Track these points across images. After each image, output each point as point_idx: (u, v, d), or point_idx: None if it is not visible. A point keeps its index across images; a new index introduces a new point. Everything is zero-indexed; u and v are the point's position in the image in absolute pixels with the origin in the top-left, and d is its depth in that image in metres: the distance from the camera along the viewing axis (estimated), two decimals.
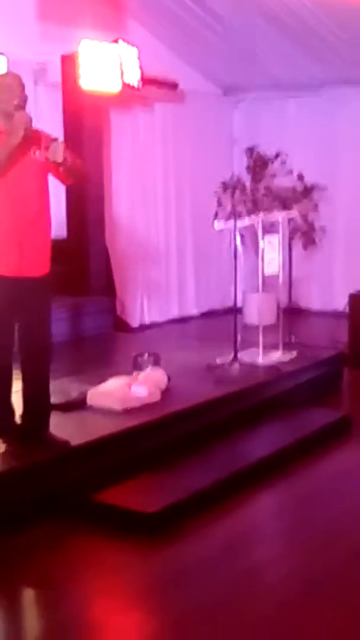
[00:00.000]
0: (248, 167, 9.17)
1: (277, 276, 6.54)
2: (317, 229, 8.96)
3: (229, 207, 8.67)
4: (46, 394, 4.50)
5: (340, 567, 3.83)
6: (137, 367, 5.72)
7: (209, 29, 8.45)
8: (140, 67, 7.89)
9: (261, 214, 6.68)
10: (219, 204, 8.85)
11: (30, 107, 4.40)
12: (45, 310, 4.43)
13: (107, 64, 7.55)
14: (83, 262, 8.00)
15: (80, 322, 7.61)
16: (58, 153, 4.24)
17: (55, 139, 4.31)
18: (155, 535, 4.07)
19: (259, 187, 9.01)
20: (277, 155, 8.97)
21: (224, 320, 7.81)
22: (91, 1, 7.79)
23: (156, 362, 5.78)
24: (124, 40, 7.70)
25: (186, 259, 9.45)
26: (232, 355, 6.14)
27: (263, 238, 6.29)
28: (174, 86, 8.78)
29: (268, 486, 4.74)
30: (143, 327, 8.60)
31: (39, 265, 4.35)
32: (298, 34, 8.21)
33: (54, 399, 4.69)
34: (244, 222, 6.47)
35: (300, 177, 8.94)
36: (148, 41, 8.42)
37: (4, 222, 4.23)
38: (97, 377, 5.44)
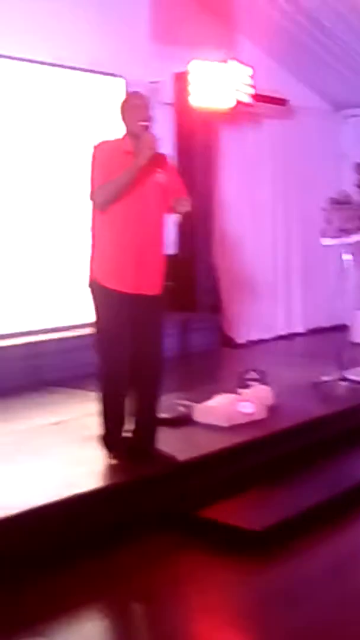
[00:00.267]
0: (357, 183, 9.06)
1: None
2: None
3: (337, 223, 8.57)
4: (155, 410, 4.56)
5: None
6: (243, 384, 5.73)
7: (320, 44, 8.42)
8: (253, 85, 7.92)
9: None
10: (327, 220, 8.76)
11: None
12: (158, 328, 4.51)
13: (218, 82, 7.61)
14: (191, 279, 8.07)
15: (187, 338, 7.67)
16: (185, 208, 4.42)
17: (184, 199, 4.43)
18: (261, 553, 4.06)
19: None
20: None
21: (331, 337, 7.76)
22: (202, 20, 7.87)
23: (262, 379, 5.78)
24: (235, 59, 7.75)
25: (293, 276, 9.40)
26: (338, 373, 6.08)
27: None
28: (283, 102, 8.78)
29: None
30: (249, 344, 8.58)
31: (154, 284, 4.44)
32: None
33: (161, 414, 4.74)
34: (353, 238, 6.40)
35: None
36: (258, 57, 8.45)
37: (124, 239, 4.35)
38: (203, 394, 5.47)
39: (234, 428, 5.07)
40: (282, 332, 9.15)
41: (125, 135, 4.49)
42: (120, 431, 4.49)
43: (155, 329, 4.49)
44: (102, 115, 6.99)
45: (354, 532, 4.43)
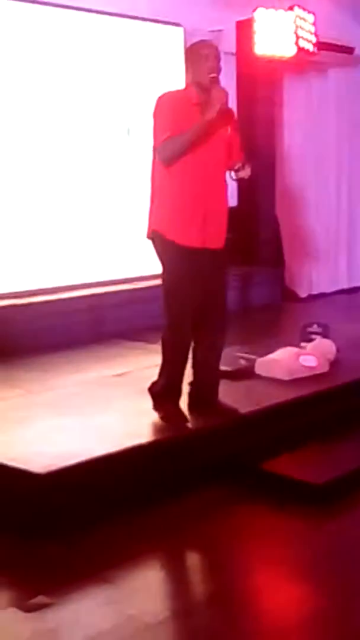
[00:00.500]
0: None
1: None
2: None
3: None
4: (218, 363, 4.55)
5: None
6: (306, 337, 5.69)
7: None
8: (316, 33, 7.75)
9: None
10: None
11: None
12: (222, 281, 4.48)
13: (282, 30, 7.46)
14: (253, 231, 8.00)
15: (249, 292, 7.63)
16: (247, 174, 4.39)
17: (245, 163, 4.38)
18: (322, 506, 4.05)
19: None
20: None
21: None
22: None
23: (325, 333, 5.72)
24: (299, 6, 7.57)
25: (357, 230, 9.26)
26: None
27: None
28: (349, 50, 8.58)
29: None
30: (311, 298, 8.51)
31: (219, 238, 4.39)
32: None
33: (223, 367, 4.74)
34: None
35: None
36: (323, 5, 8.24)
37: (190, 194, 4.27)
38: (265, 347, 5.45)
39: (295, 381, 5.05)
40: (345, 286, 9.05)
41: (189, 86, 4.39)
42: (180, 380, 4.46)
43: (219, 282, 4.45)
44: (159, 67, 6.92)
45: None
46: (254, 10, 7.33)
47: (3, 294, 6.11)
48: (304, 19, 7.64)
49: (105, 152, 6.83)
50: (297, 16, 7.53)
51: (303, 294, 8.51)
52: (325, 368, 5.27)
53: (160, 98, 4.35)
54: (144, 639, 3.02)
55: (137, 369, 5.25)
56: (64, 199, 6.55)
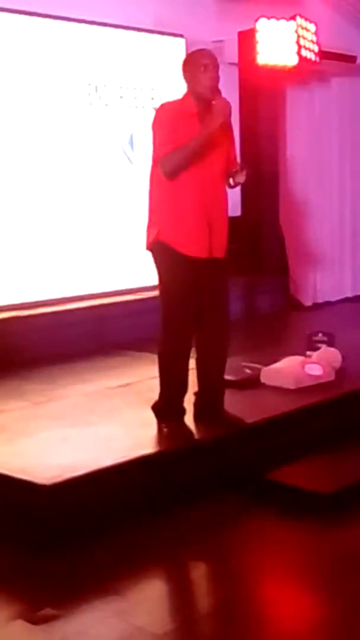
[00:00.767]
0: None
1: None
2: None
3: None
4: (222, 372, 4.53)
5: None
6: (311, 346, 5.68)
7: None
8: (318, 42, 7.76)
9: None
10: None
11: None
12: (225, 290, 4.47)
13: (284, 40, 7.47)
14: (257, 241, 8.00)
15: (253, 301, 7.63)
16: (243, 179, 4.33)
17: (241, 166, 4.34)
18: (329, 516, 4.03)
19: None
20: None
21: None
22: None
23: (330, 341, 5.71)
24: (301, 16, 7.59)
25: None
26: None
27: None
28: (352, 60, 8.59)
29: None
30: (316, 306, 8.51)
31: (223, 246, 4.38)
32: None
33: (228, 377, 4.73)
34: None
35: None
36: (325, 14, 8.27)
37: (195, 205, 4.26)
38: (270, 356, 5.44)
39: (301, 390, 5.03)
40: (350, 294, 9.04)
41: (186, 96, 4.35)
42: (180, 400, 4.44)
43: (221, 291, 4.44)
44: (161, 77, 6.94)
45: None
46: (256, 20, 7.34)
47: (7, 306, 6.11)
48: (306, 29, 7.65)
49: (109, 163, 6.84)
50: (299, 26, 7.54)
51: (308, 302, 8.50)
52: (330, 377, 5.25)
53: (158, 110, 4.35)
54: None
55: (141, 379, 5.24)
56: (68, 211, 6.56)
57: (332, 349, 5.57)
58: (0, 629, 3.13)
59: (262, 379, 5.18)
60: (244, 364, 5.38)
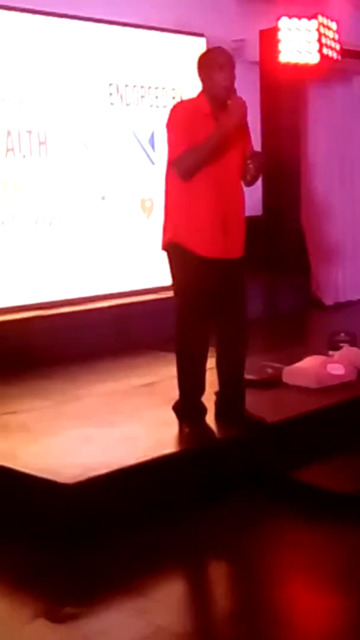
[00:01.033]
0: None
1: None
2: None
3: None
4: (242, 372, 4.53)
5: None
6: (333, 345, 5.67)
7: None
8: (339, 40, 7.75)
9: None
10: None
11: None
12: (242, 289, 4.45)
13: (306, 38, 7.47)
14: (278, 240, 8.00)
15: (275, 300, 7.63)
16: (253, 172, 4.28)
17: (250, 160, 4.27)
18: (352, 516, 4.01)
19: None
20: None
21: None
22: None
23: (352, 341, 5.69)
24: (322, 15, 7.58)
25: None
26: None
27: None
28: None
29: None
30: (338, 305, 8.49)
31: (238, 247, 4.36)
32: None
33: (249, 376, 4.73)
34: None
35: None
36: (346, 12, 8.23)
37: (210, 205, 4.23)
38: (292, 355, 5.43)
39: (323, 390, 5.02)
40: None
41: (201, 95, 4.30)
42: (197, 400, 4.43)
43: (238, 291, 4.42)
44: (182, 77, 6.95)
45: None
46: (278, 19, 7.34)
47: (30, 305, 6.15)
48: (328, 27, 7.64)
49: (130, 163, 6.86)
50: (320, 24, 7.53)
51: (329, 301, 8.48)
52: (353, 376, 5.23)
53: (173, 109, 4.33)
54: None
55: (164, 378, 5.24)
56: (90, 211, 6.59)
57: (354, 349, 5.56)
58: (22, 627, 3.15)
59: (284, 379, 5.18)
60: (265, 363, 5.38)
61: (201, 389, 4.42)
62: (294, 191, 8.17)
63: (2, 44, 6.02)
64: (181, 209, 4.29)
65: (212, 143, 4.16)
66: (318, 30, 7.50)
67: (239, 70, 4.31)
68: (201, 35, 7.08)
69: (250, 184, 4.39)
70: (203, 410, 4.43)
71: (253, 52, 7.56)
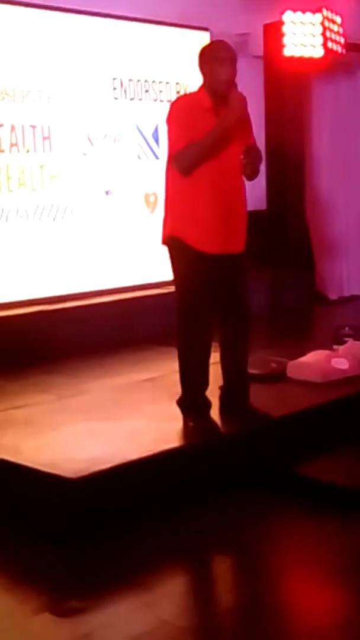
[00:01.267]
0: None
1: None
2: None
3: None
4: (245, 366, 4.52)
5: None
6: (338, 340, 5.66)
7: None
8: (343, 34, 7.72)
9: None
10: None
11: None
12: (243, 284, 4.43)
13: (310, 32, 7.45)
14: (282, 234, 7.98)
15: (279, 294, 7.61)
16: (250, 167, 4.25)
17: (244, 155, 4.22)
18: (356, 510, 4.01)
19: None
20: None
21: None
22: None
23: (357, 335, 5.68)
24: (327, 8, 7.55)
25: None
26: None
27: None
28: None
29: None
30: (342, 300, 8.48)
31: (239, 241, 4.35)
32: None
33: (254, 371, 4.72)
34: None
35: None
36: (351, 6, 8.20)
37: (211, 200, 4.21)
38: (296, 350, 5.42)
39: (328, 384, 5.02)
40: None
41: (202, 89, 4.28)
42: (200, 394, 4.41)
43: (240, 285, 4.40)
44: (186, 71, 6.93)
45: None
46: (282, 12, 7.32)
47: (34, 300, 6.15)
48: (332, 21, 7.62)
49: (134, 157, 6.85)
50: (325, 18, 7.50)
51: (334, 296, 8.47)
52: (357, 370, 5.22)
53: (173, 104, 4.31)
54: None
55: (167, 373, 5.24)
56: (94, 205, 6.58)
57: (359, 343, 5.55)
58: (26, 621, 3.15)
59: (288, 373, 5.17)
60: (270, 357, 5.37)
61: (205, 383, 4.41)
62: (298, 185, 8.15)
63: (6, 38, 6.02)
64: (181, 204, 4.27)
65: (212, 138, 4.13)
66: (322, 23, 7.48)
67: (243, 65, 4.29)
68: (205, 29, 7.07)
69: (250, 178, 4.37)
70: (207, 404, 4.43)
71: (257, 46, 7.54)
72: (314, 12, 7.46)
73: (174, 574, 3.58)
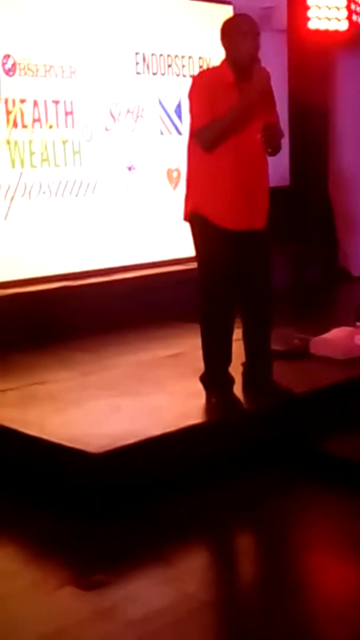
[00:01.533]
0: None
1: None
2: None
3: None
4: (268, 343, 4.51)
5: None
6: None
7: None
8: None
9: None
10: None
11: None
12: (266, 260, 4.41)
13: (335, 5, 7.38)
14: (305, 210, 7.93)
15: (302, 271, 7.58)
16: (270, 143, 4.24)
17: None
18: None
19: None
20: None
21: None
22: None
23: None
24: None
25: None
26: None
27: None
28: None
29: None
30: None
31: (261, 218, 4.33)
32: None
33: (277, 347, 4.72)
34: None
35: None
36: None
37: (233, 176, 4.19)
38: (319, 327, 5.41)
39: (351, 361, 5.00)
40: None
41: (224, 64, 4.23)
42: (223, 371, 4.40)
43: (262, 262, 4.38)
44: (209, 46, 6.87)
45: None
46: None
47: (57, 275, 6.16)
48: None
49: (157, 133, 6.82)
50: None
51: (357, 272, 8.41)
52: None
53: (195, 78, 4.29)
54: (200, 617, 3.04)
55: (191, 349, 5.23)
56: (115, 181, 6.57)
57: None
58: (50, 594, 3.19)
59: (311, 350, 5.16)
60: (293, 334, 5.36)
61: (228, 359, 4.41)
62: (322, 161, 8.09)
63: (28, 14, 5.99)
64: (203, 180, 4.25)
65: (234, 114, 4.10)
66: None
67: (266, 39, 4.23)
68: (229, 2, 7.00)
69: (271, 154, 4.35)
70: (230, 381, 4.43)
71: (281, 19, 7.46)
72: None
73: (196, 548, 3.60)
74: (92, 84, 6.38)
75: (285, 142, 6.92)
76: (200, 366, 4.47)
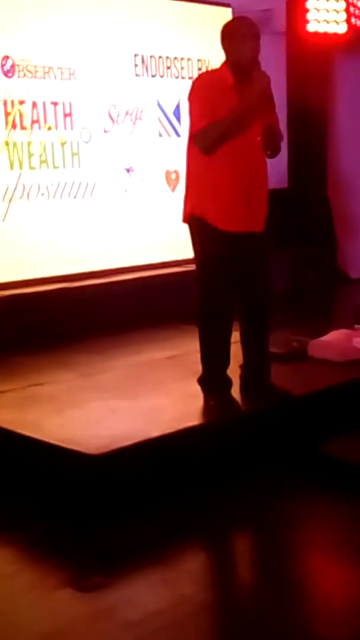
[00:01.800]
0: None
1: None
2: None
3: None
4: (266, 345, 4.52)
5: None
6: (359, 319, 5.64)
7: None
8: None
9: None
10: None
11: None
12: (264, 263, 4.42)
13: (334, 8, 7.39)
14: (304, 213, 7.94)
15: (300, 273, 7.58)
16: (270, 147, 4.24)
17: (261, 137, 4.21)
18: None
19: None
20: None
21: None
22: None
23: None
24: None
25: None
26: None
27: None
28: None
29: None
30: None
31: (261, 220, 4.34)
32: None
33: (275, 350, 4.72)
34: None
35: None
36: None
37: (232, 178, 4.20)
38: (317, 329, 5.41)
39: (349, 363, 5.00)
40: None
41: (224, 66, 4.23)
42: (221, 373, 4.41)
43: (260, 264, 4.39)
44: (207, 48, 6.88)
45: None
46: None
47: (56, 277, 6.16)
48: None
49: (155, 134, 6.83)
50: None
51: (355, 275, 8.42)
52: None
53: (195, 81, 4.28)
54: (198, 619, 3.04)
55: (189, 351, 5.24)
56: (115, 183, 6.57)
57: None
58: (48, 595, 3.19)
59: (310, 352, 5.17)
60: (291, 336, 5.36)
61: (226, 362, 4.41)
62: (321, 163, 8.10)
63: (27, 14, 5.99)
64: (202, 182, 4.25)
65: (234, 117, 4.10)
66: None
67: (265, 41, 4.22)
68: (227, 5, 7.01)
69: (271, 156, 4.35)
70: (228, 383, 4.43)
71: (280, 22, 7.47)
72: None
73: (193, 551, 3.60)
74: (91, 86, 6.39)
75: (284, 144, 6.91)
76: (199, 368, 4.48)
